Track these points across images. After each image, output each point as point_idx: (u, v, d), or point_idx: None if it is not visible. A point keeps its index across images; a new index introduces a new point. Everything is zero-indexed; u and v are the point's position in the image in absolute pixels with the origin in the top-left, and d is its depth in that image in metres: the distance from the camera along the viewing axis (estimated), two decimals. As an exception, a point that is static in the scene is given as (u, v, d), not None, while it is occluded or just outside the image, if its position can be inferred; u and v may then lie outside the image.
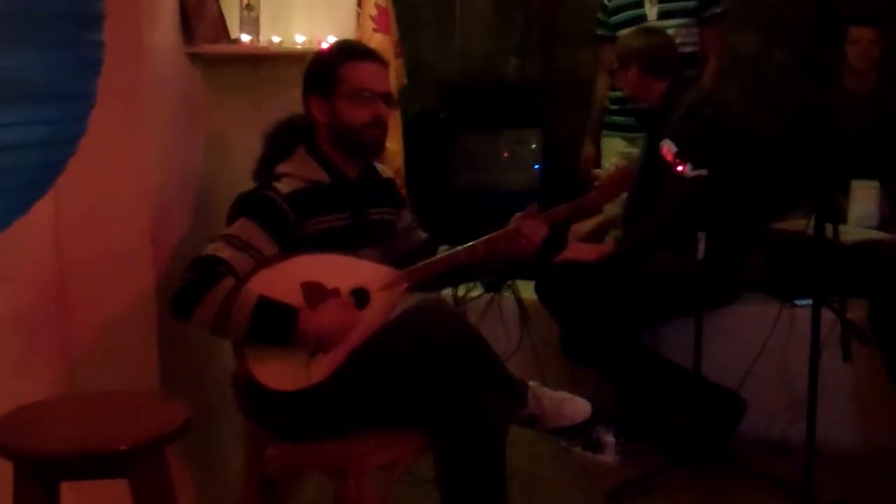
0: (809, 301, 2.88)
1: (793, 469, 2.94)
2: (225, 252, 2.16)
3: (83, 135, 1.04)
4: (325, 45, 3.08)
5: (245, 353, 2.20)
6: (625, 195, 3.13)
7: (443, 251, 2.48)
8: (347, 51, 2.44)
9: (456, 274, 2.49)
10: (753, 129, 4.45)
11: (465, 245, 2.41)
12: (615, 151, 4.12)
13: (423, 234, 2.61)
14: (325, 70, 2.37)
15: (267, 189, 2.28)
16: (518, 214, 2.44)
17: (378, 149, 2.45)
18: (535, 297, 3.48)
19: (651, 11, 4.05)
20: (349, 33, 3.63)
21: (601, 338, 3.23)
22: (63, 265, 2.31)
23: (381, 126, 2.37)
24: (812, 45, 4.54)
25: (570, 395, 2.46)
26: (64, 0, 0.95)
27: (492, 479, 2.25)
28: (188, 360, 2.52)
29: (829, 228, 2.68)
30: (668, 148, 3.02)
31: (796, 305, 3.25)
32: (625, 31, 3.99)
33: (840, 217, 3.13)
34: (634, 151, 3.90)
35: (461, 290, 3.59)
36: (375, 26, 3.84)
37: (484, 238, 2.40)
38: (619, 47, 3.54)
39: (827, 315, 2.79)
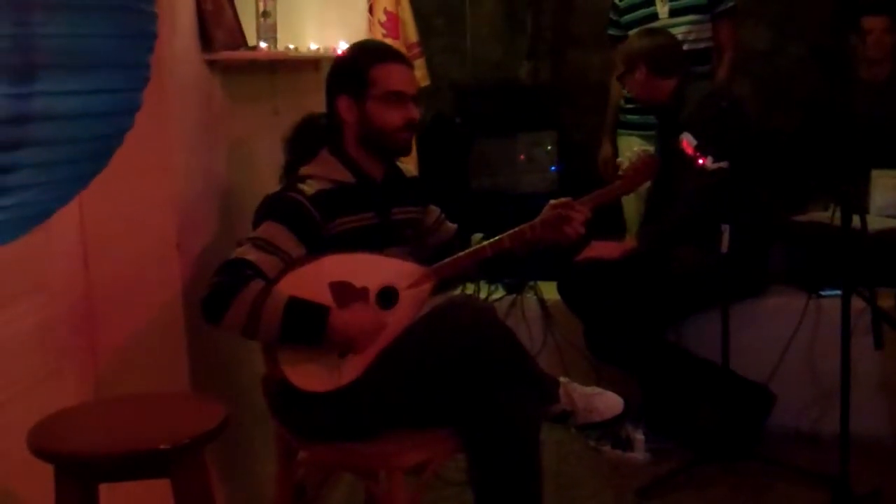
0: (836, 291, 2.86)
1: (825, 461, 2.92)
2: (252, 255, 2.16)
3: (140, 108, 1.04)
4: (339, 52, 3.10)
5: (276, 356, 2.20)
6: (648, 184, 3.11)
7: (477, 240, 2.47)
8: (378, 52, 2.43)
9: (485, 268, 2.48)
10: (769, 124, 4.44)
11: (491, 240, 2.40)
12: (631, 150, 4.10)
13: (451, 226, 2.61)
14: (356, 71, 2.36)
15: (292, 191, 2.28)
16: (553, 202, 2.42)
17: (407, 151, 2.45)
18: (557, 297, 3.47)
19: (662, 9, 4.05)
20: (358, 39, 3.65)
21: (626, 335, 3.21)
22: (90, 274, 2.31)
23: (412, 129, 2.38)
24: (827, 37, 4.53)
25: (601, 390, 2.45)
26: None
27: (525, 476, 2.24)
28: (217, 365, 2.52)
29: (855, 219, 2.66)
30: (687, 141, 3.01)
31: (822, 296, 3.23)
32: (632, 32, 4.00)
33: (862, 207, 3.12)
34: (651, 149, 3.89)
35: (483, 292, 3.59)
36: (385, 32, 3.87)
37: (512, 231, 2.39)
38: (624, 51, 3.53)
39: (854, 305, 2.76)
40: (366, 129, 2.35)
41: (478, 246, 2.40)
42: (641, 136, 4.10)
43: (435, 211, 2.59)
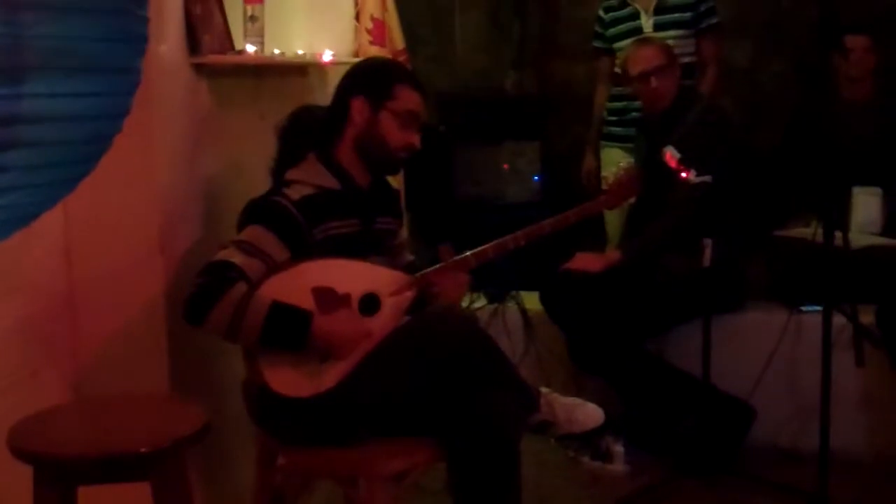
0: (816, 307, 2.87)
1: (804, 477, 2.92)
2: (237, 257, 2.15)
3: (129, 112, 1.03)
4: (325, 59, 3.10)
5: (257, 361, 2.19)
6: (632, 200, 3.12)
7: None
8: (407, 74, 2.47)
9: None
10: (750, 140, 4.47)
11: (475, 250, 2.42)
12: (614, 162, 4.12)
13: (409, 258, 2.60)
14: (383, 80, 2.37)
15: (277, 195, 2.28)
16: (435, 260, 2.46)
17: (396, 171, 2.55)
18: (538, 306, 3.47)
19: (647, 24, 4.08)
20: (347, 46, 3.65)
21: (608, 346, 3.22)
22: (73, 274, 2.30)
23: (410, 153, 2.41)
24: (809, 55, 4.57)
25: (581, 401, 2.46)
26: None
27: (505, 486, 2.23)
28: (197, 369, 2.51)
29: (838, 236, 2.68)
30: (671, 154, 3.02)
31: (803, 312, 3.25)
32: (619, 44, 4.02)
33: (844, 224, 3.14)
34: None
35: (464, 301, 3.58)
36: (371, 39, 3.86)
37: (493, 242, 2.42)
38: (665, 46, 3.53)
39: (834, 321, 2.78)
40: (369, 136, 2.36)
41: (463, 255, 2.40)
42: (624, 148, 4.11)
43: (403, 233, 2.61)
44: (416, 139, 2.40)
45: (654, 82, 3.40)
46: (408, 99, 2.37)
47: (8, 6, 0.84)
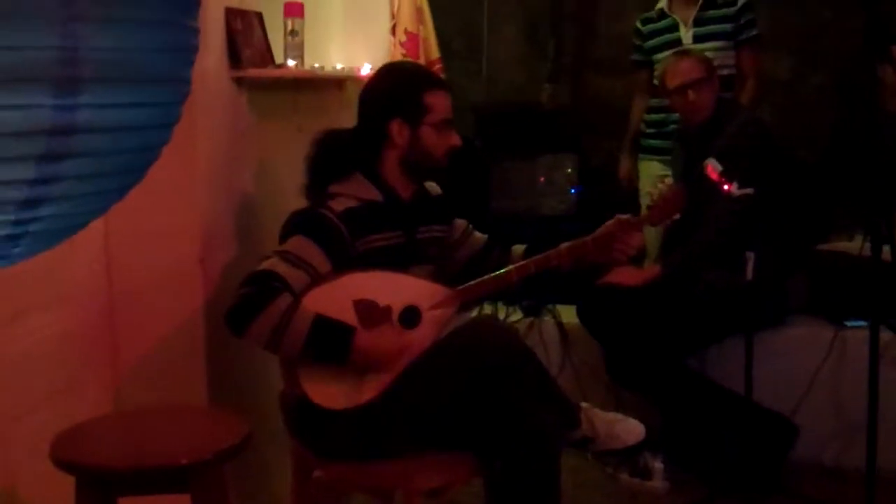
0: (861, 322, 2.82)
1: (849, 495, 2.88)
2: (281, 267, 2.15)
3: (177, 122, 1.03)
4: (366, 72, 3.10)
5: (297, 372, 2.18)
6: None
7: (519, 252, 2.49)
8: (430, 78, 2.46)
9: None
10: (790, 153, 4.42)
11: (517, 264, 2.39)
12: (653, 175, 4.09)
13: (480, 237, 2.60)
14: (412, 95, 2.35)
15: (321, 207, 2.28)
16: (609, 222, 2.42)
17: (439, 173, 2.51)
18: (575, 320, 3.44)
19: (686, 35, 4.05)
20: (382, 60, 3.65)
21: (647, 361, 3.17)
22: (113, 287, 2.31)
23: (452, 154, 2.41)
24: (852, 66, 4.51)
25: (622, 417, 2.43)
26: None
27: (544, 502, 2.20)
28: (235, 380, 2.51)
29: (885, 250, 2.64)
30: (712, 167, 2.98)
31: (847, 327, 3.19)
32: (658, 56, 3.99)
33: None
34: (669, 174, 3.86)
35: (501, 314, 3.56)
36: (405, 52, 3.87)
37: (570, 244, 2.39)
38: (704, 59, 3.51)
39: (881, 336, 2.72)
40: (414, 152, 2.36)
41: (503, 270, 2.38)
42: (662, 161, 4.08)
43: (461, 224, 2.59)
44: (456, 139, 2.40)
45: (691, 95, 3.36)
46: (441, 106, 2.36)
47: (65, 20, 0.85)
